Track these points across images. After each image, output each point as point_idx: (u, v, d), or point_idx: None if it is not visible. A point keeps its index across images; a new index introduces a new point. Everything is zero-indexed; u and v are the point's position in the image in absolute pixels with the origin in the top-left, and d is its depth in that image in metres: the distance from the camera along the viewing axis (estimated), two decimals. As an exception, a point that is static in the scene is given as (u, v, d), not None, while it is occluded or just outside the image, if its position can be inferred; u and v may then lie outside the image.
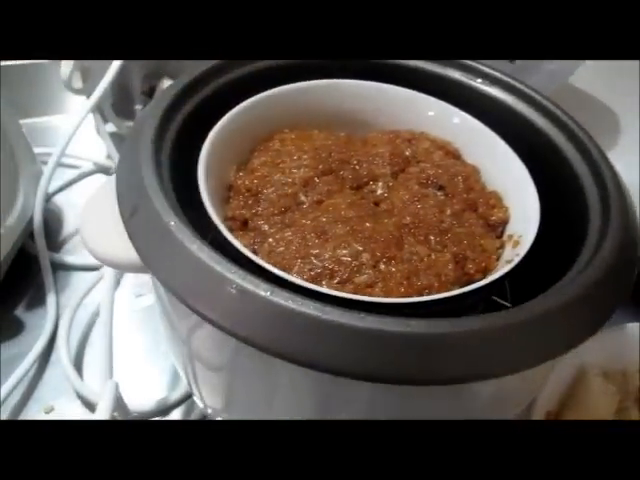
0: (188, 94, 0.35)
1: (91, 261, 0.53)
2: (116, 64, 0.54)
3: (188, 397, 0.45)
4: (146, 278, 0.51)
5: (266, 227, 0.33)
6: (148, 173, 0.29)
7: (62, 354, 0.46)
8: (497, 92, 0.39)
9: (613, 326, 0.41)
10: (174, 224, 0.27)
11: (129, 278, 0.52)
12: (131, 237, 0.28)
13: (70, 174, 0.61)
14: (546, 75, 0.50)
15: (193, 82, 0.35)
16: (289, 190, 0.34)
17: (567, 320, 0.26)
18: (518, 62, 0.55)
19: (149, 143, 0.31)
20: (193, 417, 0.44)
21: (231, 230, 0.33)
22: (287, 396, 0.29)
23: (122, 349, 0.47)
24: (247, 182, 0.35)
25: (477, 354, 0.24)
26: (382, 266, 0.31)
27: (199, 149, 0.33)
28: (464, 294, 0.29)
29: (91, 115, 0.60)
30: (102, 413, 0.37)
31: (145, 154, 0.30)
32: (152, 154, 0.30)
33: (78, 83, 0.55)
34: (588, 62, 0.52)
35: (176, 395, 0.45)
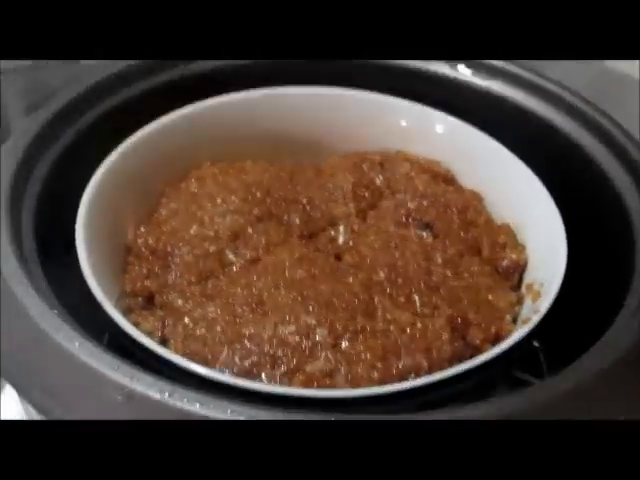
0: (60, 124, 0.36)
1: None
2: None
3: None
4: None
5: (180, 302, 0.33)
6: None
7: None
8: (499, 87, 0.40)
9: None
10: (35, 306, 0.27)
11: (10, 393, 0.52)
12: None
13: None
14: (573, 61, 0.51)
15: (66, 108, 0.36)
16: (211, 248, 0.35)
17: (612, 394, 0.26)
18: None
19: (3, 196, 0.31)
20: None
21: (131, 311, 0.33)
22: None
23: None
24: (151, 241, 0.35)
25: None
26: (345, 344, 0.31)
27: (78, 201, 0.34)
28: (462, 375, 0.28)
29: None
30: None
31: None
32: (7, 210, 0.31)
33: None
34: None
35: None
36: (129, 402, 0.24)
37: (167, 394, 0.24)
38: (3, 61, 0.57)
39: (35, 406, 0.26)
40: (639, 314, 0.29)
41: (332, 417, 0.24)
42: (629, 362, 0.27)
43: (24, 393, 0.26)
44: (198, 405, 0.24)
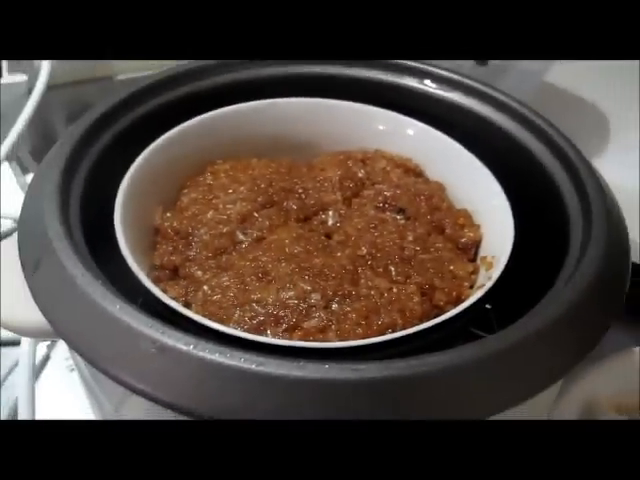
0: (99, 129, 0.35)
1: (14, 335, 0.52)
2: (28, 109, 0.55)
3: None
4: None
5: (199, 273, 0.33)
6: (52, 221, 0.29)
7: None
8: (459, 98, 0.40)
9: (620, 350, 0.41)
10: (82, 276, 0.27)
11: (60, 350, 0.52)
12: (34, 295, 0.28)
13: (-14, 235, 0.61)
14: (519, 76, 0.52)
15: (104, 116, 0.36)
16: (224, 229, 0.34)
17: (548, 347, 0.26)
18: (490, 64, 0.57)
19: (54, 188, 0.31)
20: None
21: (159, 281, 0.33)
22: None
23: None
24: (175, 224, 0.35)
25: (441, 397, 0.24)
26: (335, 306, 0.31)
27: (116, 191, 0.33)
28: (429, 329, 0.29)
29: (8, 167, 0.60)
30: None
31: (49, 200, 0.30)
32: (58, 200, 0.30)
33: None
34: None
35: None
36: (161, 353, 0.24)
37: (192, 346, 0.24)
38: (50, 78, 0.57)
39: (84, 357, 0.26)
40: (570, 282, 0.29)
41: (326, 365, 0.24)
42: (564, 321, 0.27)
43: (75, 347, 0.27)
44: (217, 354, 0.24)
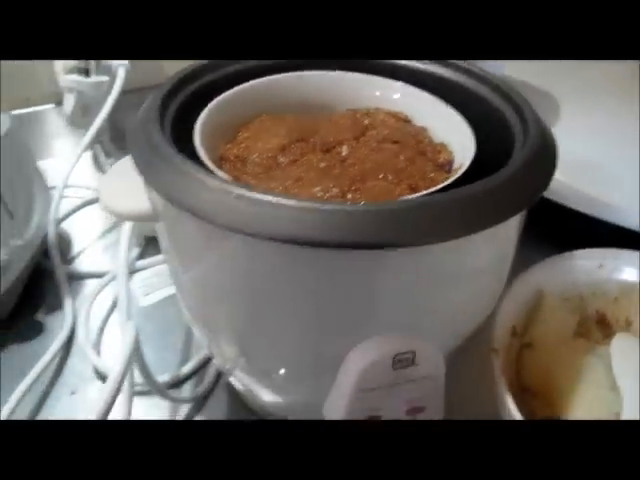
0: (183, 85, 0.45)
1: (98, 269, 0.61)
2: (112, 99, 0.65)
3: (197, 371, 0.53)
4: (153, 280, 0.60)
5: (253, 182, 0.41)
6: (155, 131, 0.39)
7: (82, 340, 0.54)
8: (436, 68, 0.49)
9: (563, 253, 0.49)
10: (180, 161, 0.36)
11: (137, 280, 0.61)
12: (147, 180, 0.37)
13: (75, 202, 0.70)
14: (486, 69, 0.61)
15: (186, 76, 0.46)
16: (269, 154, 0.43)
17: (498, 197, 0.35)
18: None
19: (155, 115, 0.40)
20: (205, 387, 0.52)
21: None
22: (280, 279, 0.37)
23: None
24: (235, 151, 0.44)
25: (421, 223, 0.33)
26: (349, 195, 0.39)
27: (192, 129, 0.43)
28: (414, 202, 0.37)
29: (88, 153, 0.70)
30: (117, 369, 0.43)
31: (153, 119, 0.40)
32: (158, 121, 0.40)
33: (79, 118, 0.65)
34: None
35: (187, 369, 0.53)
36: (236, 199, 0.33)
37: (257, 191, 0.33)
38: (124, 83, 0.67)
39: (182, 208, 0.34)
40: (512, 163, 0.37)
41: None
42: (510, 181, 0.35)
43: (176, 202, 0.35)
44: (269, 195, 0.33)
